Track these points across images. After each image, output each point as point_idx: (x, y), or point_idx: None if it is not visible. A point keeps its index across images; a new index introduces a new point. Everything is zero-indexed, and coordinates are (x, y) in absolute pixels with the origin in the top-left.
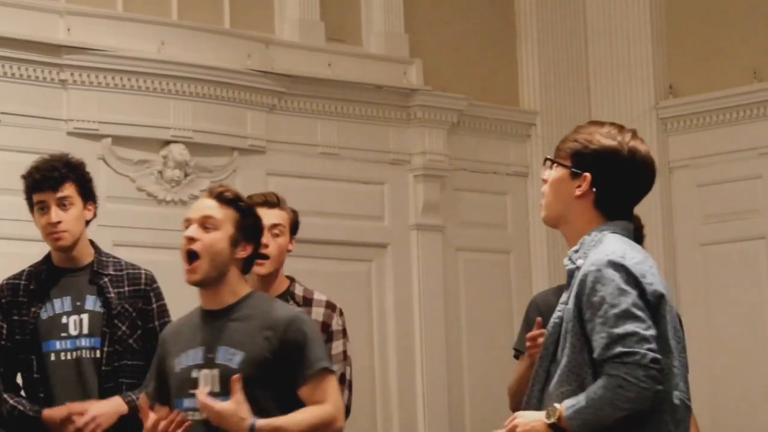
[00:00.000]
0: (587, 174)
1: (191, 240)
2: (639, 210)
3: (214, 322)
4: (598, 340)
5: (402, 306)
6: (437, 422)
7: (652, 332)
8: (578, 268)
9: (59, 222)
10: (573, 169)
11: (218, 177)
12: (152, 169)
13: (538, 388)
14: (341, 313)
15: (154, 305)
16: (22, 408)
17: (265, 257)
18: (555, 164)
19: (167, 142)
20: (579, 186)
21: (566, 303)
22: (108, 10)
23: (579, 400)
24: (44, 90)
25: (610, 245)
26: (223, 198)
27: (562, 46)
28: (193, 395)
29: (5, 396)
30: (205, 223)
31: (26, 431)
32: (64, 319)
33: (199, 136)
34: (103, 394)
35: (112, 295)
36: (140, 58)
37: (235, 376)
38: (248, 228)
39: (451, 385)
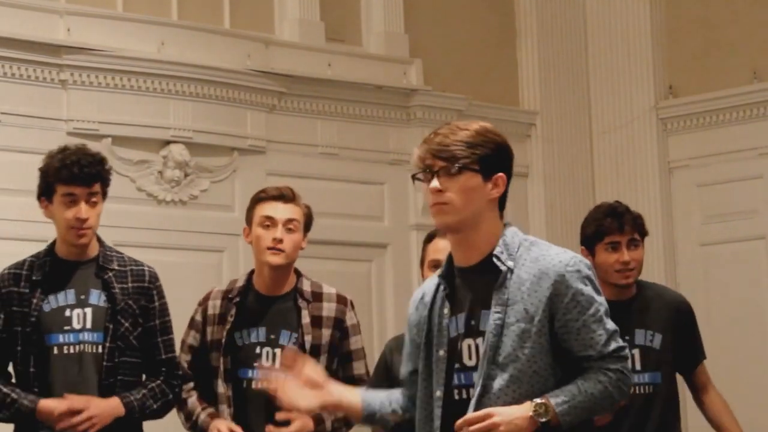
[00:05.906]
0: (502, 175)
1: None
2: (639, 210)
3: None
4: (594, 337)
5: (402, 306)
6: None
7: None
8: (510, 270)
9: (87, 219)
10: (484, 173)
11: (218, 177)
12: (152, 169)
13: (480, 391)
14: (352, 306)
15: (156, 303)
16: (16, 396)
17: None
18: (464, 170)
19: (167, 142)
20: (494, 188)
21: (506, 305)
22: (108, 10)
23: (572, 396)
24: (44, 90)
25: (555, 247)
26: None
27: (562, 46)
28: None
29: None
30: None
31: (17, 419)
32: (67, 312)
33: (199, 136)
34: (102, 390)
35: (117, 290)
36: (140, 58)
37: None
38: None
39: None
